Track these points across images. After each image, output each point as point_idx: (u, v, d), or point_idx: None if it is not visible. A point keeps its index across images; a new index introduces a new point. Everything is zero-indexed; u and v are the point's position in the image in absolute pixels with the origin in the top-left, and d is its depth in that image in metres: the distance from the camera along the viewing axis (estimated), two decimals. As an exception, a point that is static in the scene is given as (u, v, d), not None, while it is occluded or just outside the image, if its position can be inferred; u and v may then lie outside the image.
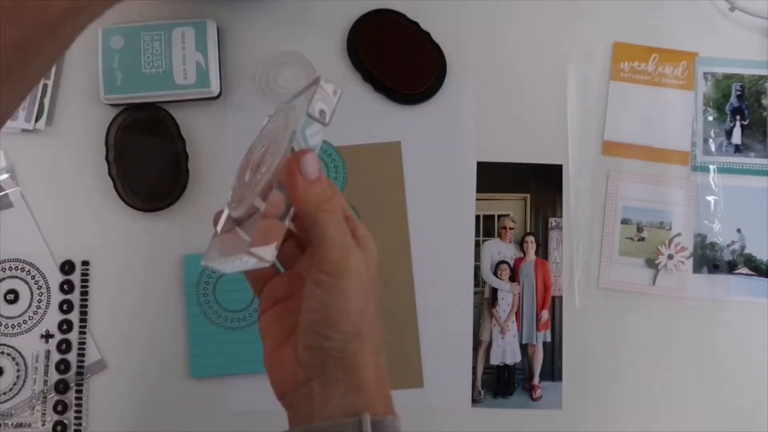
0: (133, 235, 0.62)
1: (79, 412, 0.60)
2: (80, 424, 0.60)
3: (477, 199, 0.63)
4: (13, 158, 0.62)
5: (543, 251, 0.63)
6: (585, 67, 0.64)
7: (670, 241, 0.62)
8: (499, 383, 0.62)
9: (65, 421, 0.60)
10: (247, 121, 0.63)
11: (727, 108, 0.63)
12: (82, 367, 0.60)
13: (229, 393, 0.61)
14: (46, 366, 0.61)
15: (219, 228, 0.40)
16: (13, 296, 0.61)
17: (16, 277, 0.61)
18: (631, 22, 0.64)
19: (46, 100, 0.62)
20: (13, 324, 0.61)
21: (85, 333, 0.61)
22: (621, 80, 0.63)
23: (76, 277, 0.62)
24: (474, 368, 0.62)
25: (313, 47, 0.64)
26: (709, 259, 0.62)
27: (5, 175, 0.62)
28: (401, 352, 0.61)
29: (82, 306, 0.61)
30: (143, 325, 0.61)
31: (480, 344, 0.62)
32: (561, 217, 0.63)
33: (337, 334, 0.35)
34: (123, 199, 0.61)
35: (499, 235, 0.63)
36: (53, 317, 0.61)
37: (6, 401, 0.60)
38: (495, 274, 0.62)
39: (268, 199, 0.35)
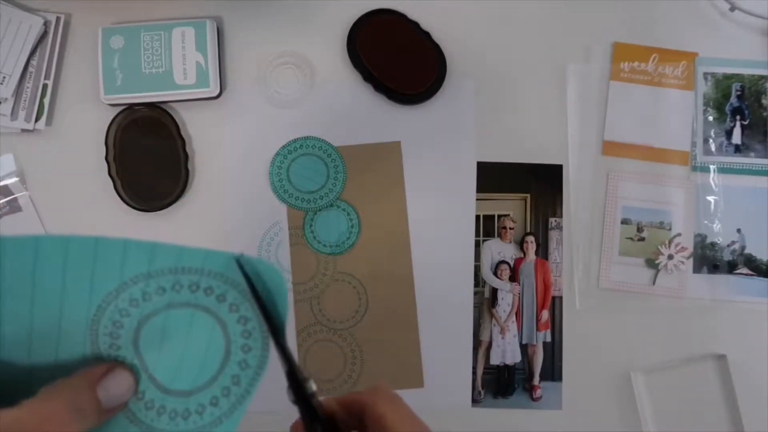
0: (133, 235, 0.62)
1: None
2: None
3: (477, 199, 0.63)
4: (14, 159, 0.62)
5: (543, 251, 0.63)
6: (585, 67, 0.64)
7: (670, 241, 0.62)
8: (499, 383, 0.62)
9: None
10: (247, 121, 0.63)
11: (727, 108, 0.63)
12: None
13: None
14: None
15: None
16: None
17: None
18: (631, 22, 0.64)
19: (46, 100, 0.62)
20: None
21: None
22: (621, 80, 0.63)
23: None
24: (474, 368, 0.62)
25: (313, 47, 0.64)
26: (709, 259, 0.62)
27: (15, 179, 0.62)
28: (401, 352, 0.61)
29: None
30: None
31: (480, 344, 0.62)
32: (561, 217, 0.63)
33: None
34: (123, 199, 0.61)
35: (499, 235, 0.63)
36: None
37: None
38: (495, 274, 0.62)
39: None
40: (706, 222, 0.62)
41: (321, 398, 0.30)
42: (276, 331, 0.30)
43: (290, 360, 0.30)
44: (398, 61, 0.62)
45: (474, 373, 0.62)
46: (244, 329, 0.31)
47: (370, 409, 0.30)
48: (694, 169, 0.63)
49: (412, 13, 0.63)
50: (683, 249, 0.62)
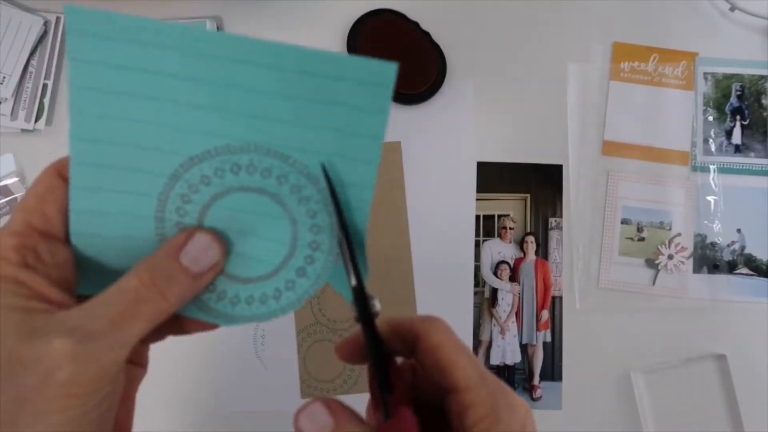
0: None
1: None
2: None
3: (477, 199, 0.63)
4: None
5: (543, 251, 0.63)
6: (585, 67, 0.64)
7: (670, 241, 0.62)
8: (499, 383, 0.62)
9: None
10: (247, 121, 0.63)
11: (727, 108, 0.63)
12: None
13: (229, 393, 0.61)
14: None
15: None
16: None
17: None
18: (631, 22, 0.64)
19: (46, 100, 0.62)
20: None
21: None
22: (621, 80, 0.63)
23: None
24: (474, 368, 0.62)
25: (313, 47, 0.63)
26: (709, 259, 0.62)
27: (15, 179, 0.62)
28: (401, 352, 0.61)
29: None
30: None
31: (480, 344, 0.62)
32: (561, 217, 0.63)
33: None
34: (123, 199, 0.61)
35: (499, 235, 0.63)
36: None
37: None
38: (495, 274, 0.62)
39: None
40: (706, 222, 0.62)
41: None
42: (350, 239, 0.29)
43: (359, 275, 0.28)
44: (398, 61, 0.62)
45: (474, 373, 0.62)
46: (313, 223, 0.30)
47: (425, 338, 0.29)
48: (694, 169, 0.63)
49: (412, 13, 0.63)
50: (683, 249, 0.62)
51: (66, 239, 0.29)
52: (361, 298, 0.28)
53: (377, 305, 0.28)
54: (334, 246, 0.30)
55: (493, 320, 0.62)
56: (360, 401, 0.30)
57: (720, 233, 0.62)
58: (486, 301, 0.62)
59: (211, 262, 0.29)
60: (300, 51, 0.27)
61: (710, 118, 0.63)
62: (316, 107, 0.28)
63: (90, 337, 0.25)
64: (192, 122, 0.28)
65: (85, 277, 0.29)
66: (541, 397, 0.61)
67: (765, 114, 0.63)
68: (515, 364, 0.62)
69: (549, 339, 0.62)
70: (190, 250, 0.28)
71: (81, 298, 0.28)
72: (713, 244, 0.62)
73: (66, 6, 0.25)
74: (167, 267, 0.28)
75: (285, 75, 0.27)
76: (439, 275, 0.62)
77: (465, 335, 0.62)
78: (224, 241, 0.29)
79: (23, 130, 0.62)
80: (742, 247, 0.62)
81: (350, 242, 0.29)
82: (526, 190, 0.63)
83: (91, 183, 0.28)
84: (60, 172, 0.28)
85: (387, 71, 0.28)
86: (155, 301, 0.27)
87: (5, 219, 0.62)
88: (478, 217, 0.63)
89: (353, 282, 0.28)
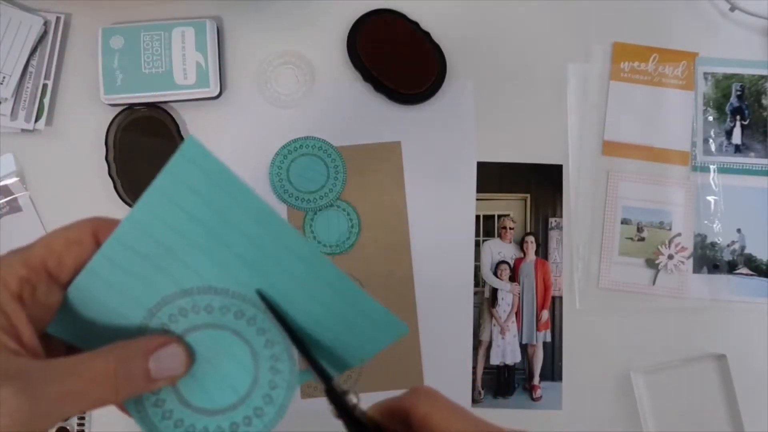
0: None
1: (82, 418, 0.60)
2: (83, 431, 0.60)
3: (477, 199, 0.63)
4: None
5: (543, 251, 0.63)
6: (585, 67, 0.64)
7: (670, 241, 0.62)
8: (499, 383, 0.62)
9: (68, 428, 0.60)
10: (247, 121, 0.63)
11: (727, 108, 0.63)
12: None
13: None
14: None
15: None
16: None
17: None
18: (631, 22, 0.64)
19: (46, 100, 0.62)
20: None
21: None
22: (621, 80, 0.63)
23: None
24: (474, 368, 0.62)
25: (313, 47, 0.64)
26: (709, 259, 0.62)
27: (15, 179, 0.62)
28: (401, 352, 0.61)
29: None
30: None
31: (480, 344, 0.62)
32: (561, 217, 0.63)
33: None
34: (123, 200, 0.61)
35: (499, 235, 0.63)
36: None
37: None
38: (495, 274, 0.62)
39: None
40: (706, 222, 0.62)
41: (361, 407, 0.31)
42: (308, 352, 0.31)
43: (326, 377, 0.30)
44: (398, 61, 0.62)
45: (474, 373, 0.62)
46: (267, 393, 0.33)
47: (413, 412, 0.30)
48: (694, 169, 0.63)
49: (412, 13, 0.63)
50: (683, 249, 0.62)
51: (65, 286, 0.31)
52: (334, 396, 0.30)
53: (353, 399, 0.30)
54: (269, 427, 0.32)
55: (493, 320, 0.62)
56: (361, 401, 0.30)
57: (720, 233, 0.62)
58: (486, 301, 0.62)
59: (172, 372, 0.30)
60: (338, 275, 0.31)
61: (710, 118, 0.63)
62: (330, 315, 0.32)
63: (38, 399, 0.26)
64: (228, 263, 0.31)
65: (57, 320, 0.31)
66: (541, 397, 0.61)
67: (765, 114, 0.63)
68: (515, 364, 0.62)
69: (549, 339, 0.62)
70: (161, 355, 0.30)
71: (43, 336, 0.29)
72: (713, 244, 0.62)
73: (191, 137, 0.29)
74: (133, 365, 0.29)
75: (319, 280, 0.31)
76: (439, 275, 0.62)
77: (465, 335, 0.62)
78: (192, 360, 0.32)
79: (23, 130, 0.62)
80: (742, 247, 0.62)
81: (311, 356, 0.31)
82: (526, 190, 0.63)
83: (119, 260, 0.31)
84: (95, 233, 0.30)
85: (400, 329, 0.32)
86: (106, 393, 0.28)
87: (5, 219, 0.62)
88: (478, 217, 0.63)
89: (323, 386, 0.30)
